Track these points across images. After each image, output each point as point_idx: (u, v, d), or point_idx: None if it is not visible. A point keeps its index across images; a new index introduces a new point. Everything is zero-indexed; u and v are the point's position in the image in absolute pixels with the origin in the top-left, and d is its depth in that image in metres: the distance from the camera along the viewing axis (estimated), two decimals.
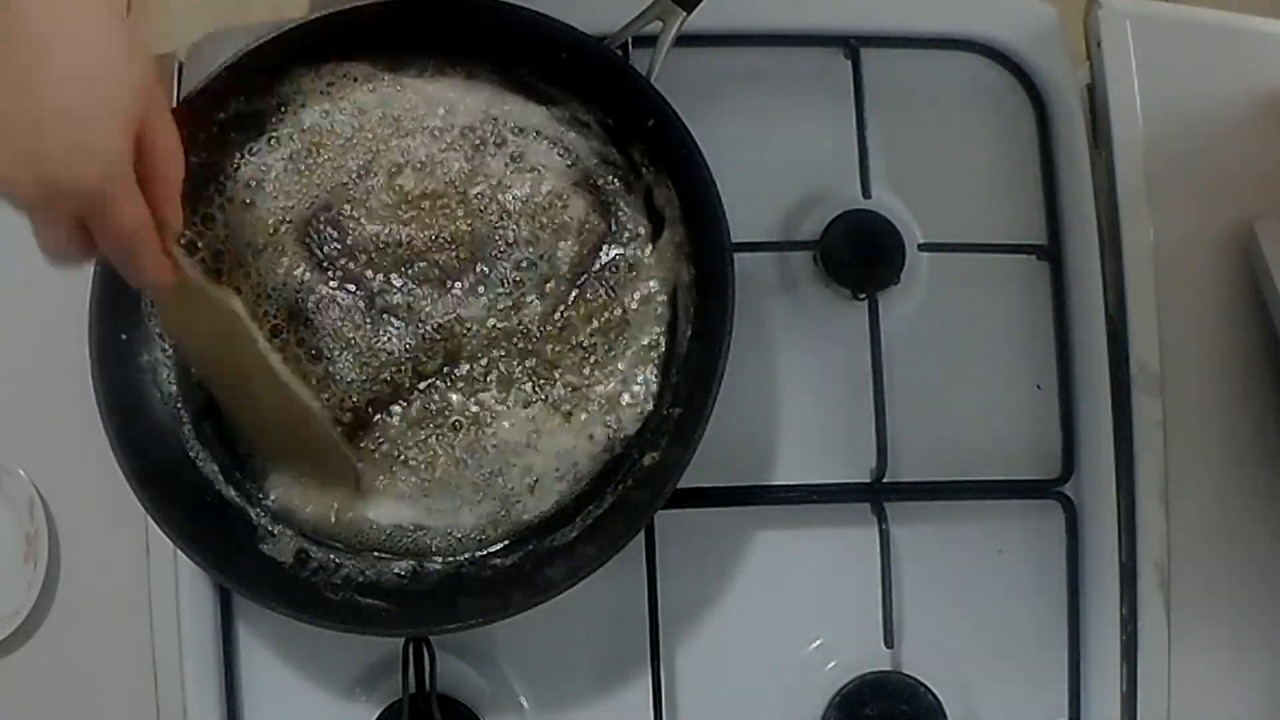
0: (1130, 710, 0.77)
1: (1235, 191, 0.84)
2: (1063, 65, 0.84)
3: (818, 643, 0.78)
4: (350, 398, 0.75)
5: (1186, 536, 0.79)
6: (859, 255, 0.79)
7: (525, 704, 0.77)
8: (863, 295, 0.79)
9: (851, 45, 0.83)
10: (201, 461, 0.75)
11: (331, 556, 0.74)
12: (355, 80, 0.77)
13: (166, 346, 0.75)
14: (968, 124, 0.84)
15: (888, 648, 0.77)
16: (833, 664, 0.78)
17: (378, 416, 0.75)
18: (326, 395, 0.75)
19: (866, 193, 0.81)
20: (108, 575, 0.78)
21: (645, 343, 0.77)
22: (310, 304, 0.75)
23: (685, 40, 0.79)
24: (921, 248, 0.81)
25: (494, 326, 0.76)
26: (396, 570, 0.75)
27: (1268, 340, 0.82)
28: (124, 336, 0.73)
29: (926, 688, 0.76)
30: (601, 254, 0.77)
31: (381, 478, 0.75)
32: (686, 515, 0.77)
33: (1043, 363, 0.81)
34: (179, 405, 0.75)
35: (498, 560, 0.75)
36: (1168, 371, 0.80)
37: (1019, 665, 0.79)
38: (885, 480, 0.78)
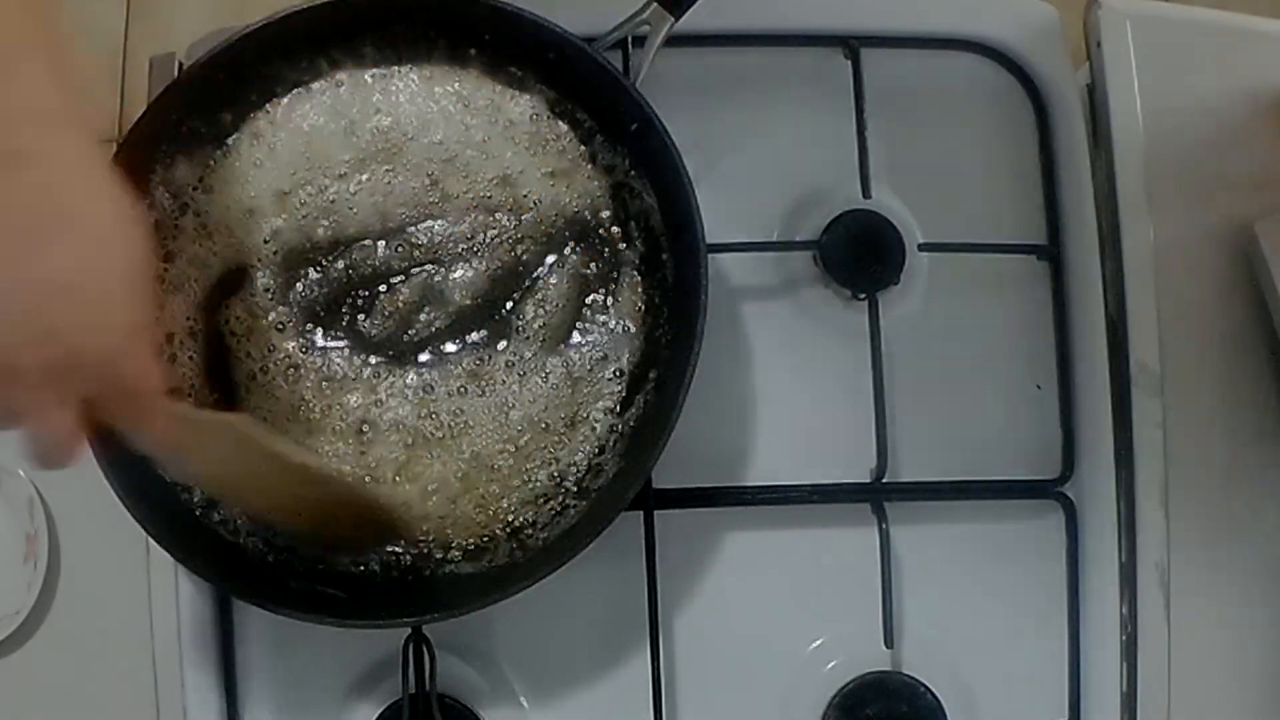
0: (1130, 710, 0.77)
1: (1235, 191, 0.84)
2: (1063, 65, 0.84)
3: (818, 643, 0.78)
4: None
5: (1186, 536, 0.79)
6: (859, 255, 0.79)
7: (525, 704, 0.77)
8: (863, 295, 0.79)
9: (851, 45, 0.83)
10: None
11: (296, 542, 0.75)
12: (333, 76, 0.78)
13: None
14: (968, 124, 0.84)
15: (888, 648, 0.77)
16: (833, 664, 0.78)
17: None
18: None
19: (866, 193, 0.81)
20: (108, 575, 0.78)
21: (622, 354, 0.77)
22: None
23: (685, 41, 0.79)
24: (921, 248, 0.81)
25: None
26: (360, 563, 0.75)
27: (1268, 340, 0.82)
28: None
29: (926, 688, 0.76)
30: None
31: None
32: (686, 515, 0.77)
33: (1043, 363, 0.81)
34: None
35: (458, 560, 0.75)
36: (1168, 371, 0.80)
37: (1019, 665, 0.79)
38: (885, 480, 0.78)
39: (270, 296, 0.76)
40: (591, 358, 0.76)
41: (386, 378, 0.76)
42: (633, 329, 0.77)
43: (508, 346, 0.76)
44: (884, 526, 0.77)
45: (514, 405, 0.76)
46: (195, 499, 0.74)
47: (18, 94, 0.52)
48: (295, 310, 0.76)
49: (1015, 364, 0.82)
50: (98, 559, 0.79)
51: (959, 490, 0.79)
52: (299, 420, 0.75)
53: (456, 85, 0.78)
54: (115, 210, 0.55)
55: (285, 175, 0.77)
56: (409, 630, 0.74)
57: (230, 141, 0.77)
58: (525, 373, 0.76)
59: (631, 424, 0.76)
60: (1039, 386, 0.81)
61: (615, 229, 0.77)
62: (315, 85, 0.77)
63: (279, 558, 0.74)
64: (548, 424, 0.76)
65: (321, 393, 0.76)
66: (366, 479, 0.74)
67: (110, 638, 0.78)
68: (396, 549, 0.75)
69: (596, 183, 0.78)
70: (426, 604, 0.71)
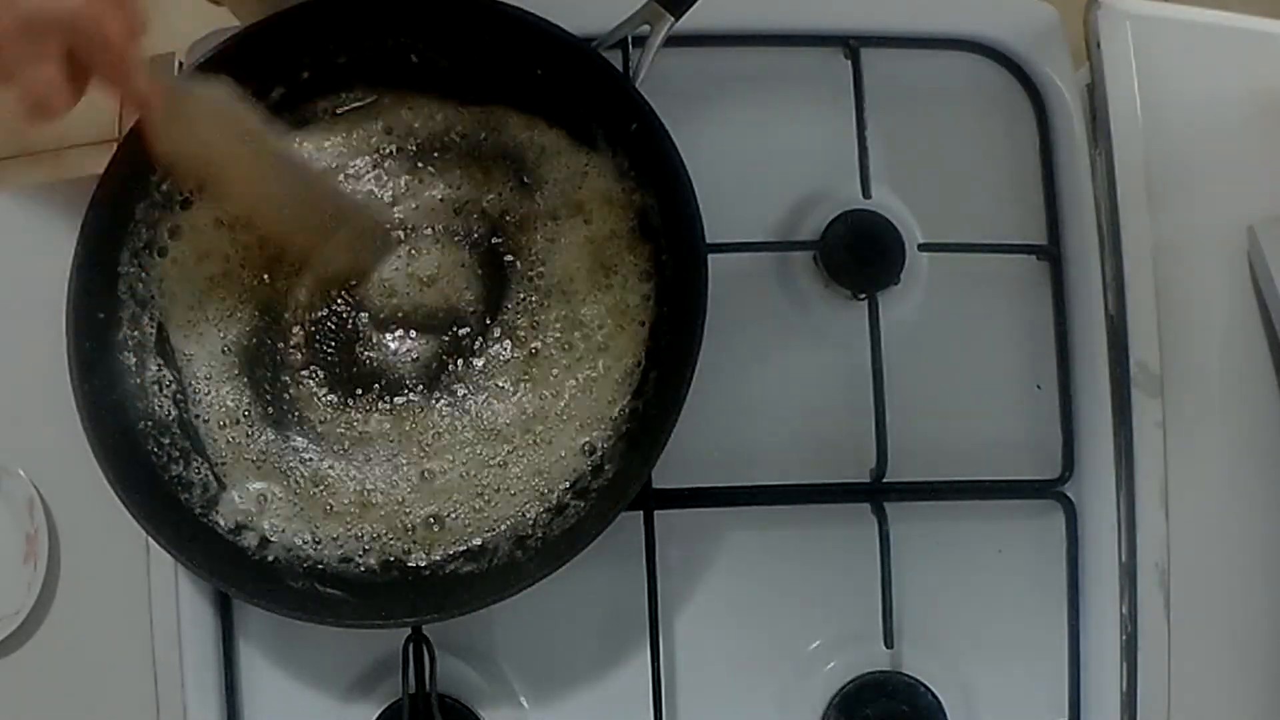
0: (1130, 710, 0.77)
1: (1235, 191, 0.84)
2: (1063, 65, 0.84)
3: (818, 643, 0.78)
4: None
5: (1186, 536, 0.79)
6: (859, 255, 0.79)
7: (525, 704, 0.77)
8: (863, 295, 0.79)
9: (851, 45, 0.83)
10: (171, 445, 0.75)
11: (296, 542, 0.74)
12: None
13: (147, 330, 0.75)
14: (968, 124, 0.84)
15: (888, 648, 0.77)
16: (833, 664, 0.78)
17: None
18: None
19: (866, 193, 0.81)
20: (108, 575, 0.78)
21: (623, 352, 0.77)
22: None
23: (685, 41, 0.79)
24: (921, 248, 0.81)
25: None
26: (360, 563, 0.75)
27: (1268, 340, 0.82)
28: (100, 315, 0.74)
29: (926, 688, 0.76)
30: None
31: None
32: (686, 515, 0.77)
33: (1043, 363, 0.81)
34: (154, 386, 0.75)
35: (458, 560, 0.75)
36: (1168, 371, 0.80)
37: (1019, 665, 0.79)
38: (885, 480, 0.78)
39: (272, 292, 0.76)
40: (592, 358, 0.76)
41: (389, 380, 0.76)
42: (633, 329, 0.77)
43: (509, 345, 0.76)
44: (884, 526, 0.77)
45: (514, 405, 0.76)
46: (195, 499, 0.74)
47: None
48: (298, 305, 0.76)
49: (1015, 364, 0.82)
50: (98, 559, 0.79)
51: (959, 490, 0.79)
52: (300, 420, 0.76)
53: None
54: None
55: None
56: (409, 630, 0.74)
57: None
58: (526, 372, 0.76)
59: (631, 424, 0.75)
60: (1039, 386, 0.81)
61: (617, 230, 0.77)
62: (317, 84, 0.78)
63: (279, 558, 0.74)
64: (548, 424, 0.76)
65: (320, 390, 0.76)
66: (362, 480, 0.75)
67: (110, 638, 0.78)
68: (398, 557, 0.75)
69: (598, 184, 0.78)
70: (426, 604, 0.71)
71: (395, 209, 0.77)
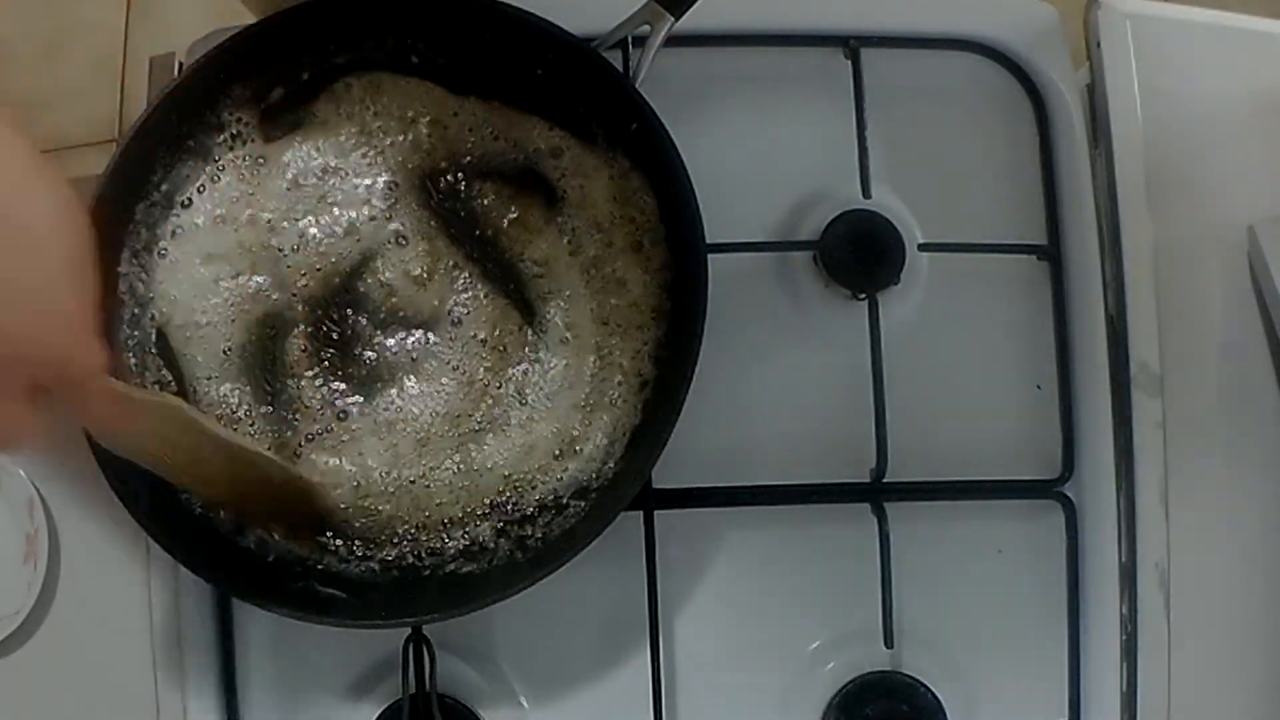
0: (1130, 710, 0.77)
1: (1235, 191, 0.84)
2: (1063, 65, 0.84)
3: (818, 643, 0.78)
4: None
5: (1186, 536, 0.79)
6: (859, 255, 0.79)
7: (525, 704, 0.77)
8: (863, 295, 0.79)
9: (851, 45, 0.83)
10: None
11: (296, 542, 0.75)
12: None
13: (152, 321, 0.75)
14: (968, 124, 0.84)
15: (888, 648, 0.77)
16: (833, 664, 0.78)
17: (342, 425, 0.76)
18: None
19: (866, 193, 0.81)
20: (108, 575, 0.78)
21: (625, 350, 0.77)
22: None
23: (685, 41, 0.79)
24: (921, 248, 0.81)
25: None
26: (360, 563, 0.75)
27: (1268, 340, 0.82)
28: (101, 315, 0.73)
29: (926, 688, 0.76)
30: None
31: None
32: (686, 515, 0.77)
33: (1043, 363, 0.81)
34: (154, 386, 0.75)
35: (458, 560, 0.75)
36: (1168, 371, 0.80)
37: (1019, 665, 0.79)
38: (885, 480, 0.78)
39: (275, 297, 0.76)
40: (591, 358, 0.76)
41: (387, 378, 0.76)
42: (633, 329, 0.77)
43: (508, 345, 0.76)
44: (884, 526, 0.77)
45: (513, 404, 0.76)
46: (195, 498, 0.74)
47: None
48: (297, 307, 0.76)
49: (1015, 364, 0.82)
50: (98, 559, 0.79)
51: (959, 490, 0.79)
52: (303, 419, 0.76)
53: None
54: (47, 203, 0.54)
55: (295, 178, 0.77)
56: (409, 630, 0.74)
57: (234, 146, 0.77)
58: (525, 371, 0.76)
59: (632, 424, 0.76)
60: (1039, 386, 0.81)
61: (616, 229, 0.77)
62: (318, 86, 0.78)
63: (279, 558, 0.74)
64: (547, 424, 0.76)
65: (318, 390, 0.76)
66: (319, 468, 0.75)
67: (110, 638, 0.78)
68: (396, 557, 0.75)
69: (599, 183, 0.78)
70: (426, 604, 0.71)
71: (393, 209, 0.77)
